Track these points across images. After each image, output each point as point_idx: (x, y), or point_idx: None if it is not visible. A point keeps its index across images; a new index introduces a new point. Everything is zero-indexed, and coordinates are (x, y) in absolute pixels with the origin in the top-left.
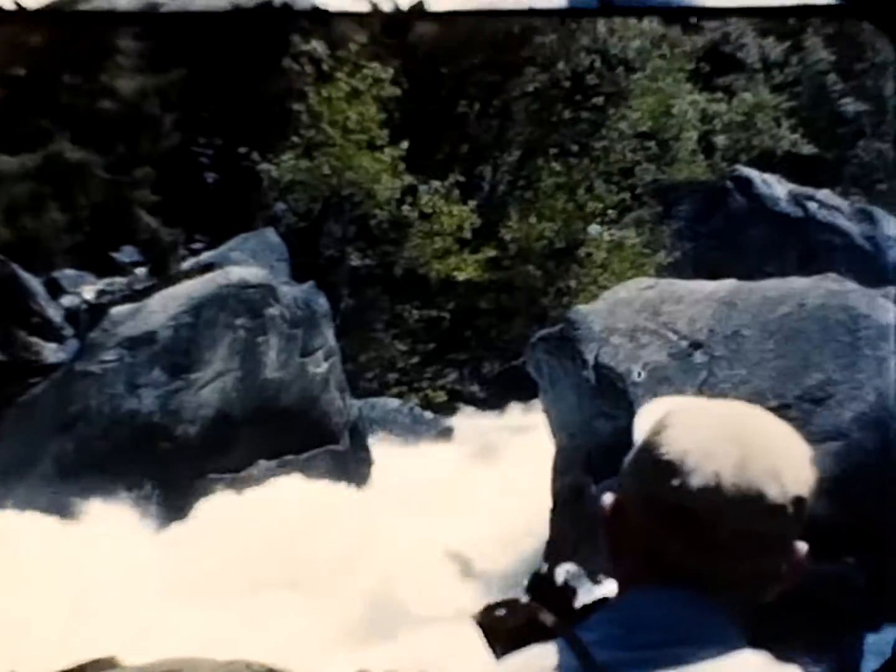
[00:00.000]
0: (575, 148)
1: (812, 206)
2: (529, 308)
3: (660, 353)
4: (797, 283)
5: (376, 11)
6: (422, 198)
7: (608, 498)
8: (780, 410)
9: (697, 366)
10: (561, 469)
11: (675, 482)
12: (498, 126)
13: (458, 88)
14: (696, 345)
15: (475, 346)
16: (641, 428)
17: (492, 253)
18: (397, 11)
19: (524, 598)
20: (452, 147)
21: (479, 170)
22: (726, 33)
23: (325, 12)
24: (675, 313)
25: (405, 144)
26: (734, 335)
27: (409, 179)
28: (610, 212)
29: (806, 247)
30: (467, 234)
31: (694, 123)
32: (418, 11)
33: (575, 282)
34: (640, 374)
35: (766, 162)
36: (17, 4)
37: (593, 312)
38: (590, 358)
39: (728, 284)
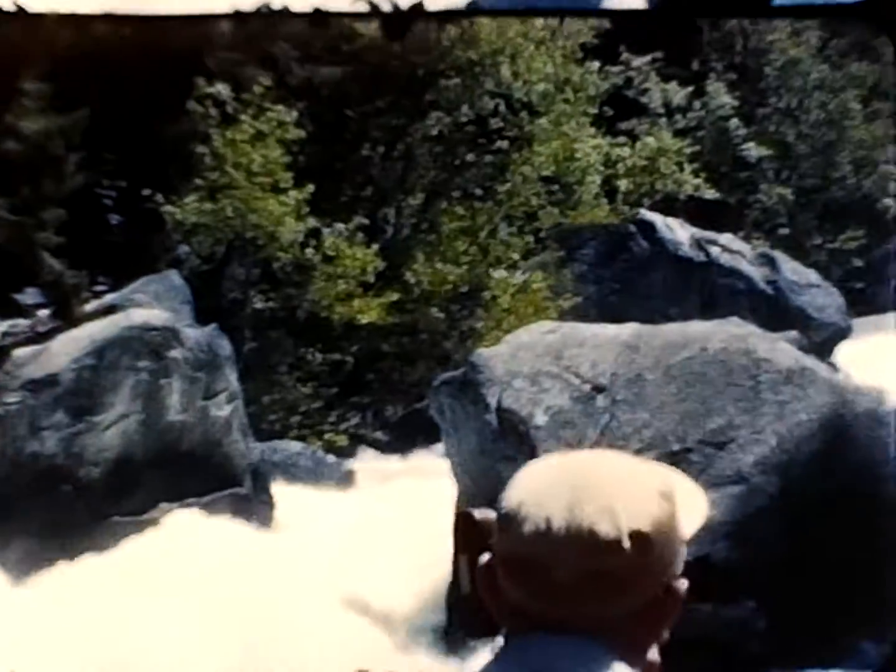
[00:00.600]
0: (479, 191)
1: (714, 250)
2: (432, 351)
3: (562, 397)
4: (699, 327)
5: (376, 11)
6: (325, 241)
7: (484, 557)
8: (682, 454)
9: (600, 409)
10: None
11: (512, 532)
12: (402, 169)
13: (362, 131)
14: (598, 388)
15: (378, 389)
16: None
17: (395, 296)
18: (396, 11)
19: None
20: (356, 190)
21: (383, 213)
22: (629, 78)
23: (326, 13)
24: (577, 357)
25: (310, 187)
26: (636, 379)
27: (312, 222)
28: (513, 255)
29: (708, 291)
30: (371, 278)
31: (597, 167)
32: (418, 11)
33: (478, 325)
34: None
35: (669, 206)
36: (17, 6)
37: (496, 356)
38: (492, 401)
39: (630, 328)
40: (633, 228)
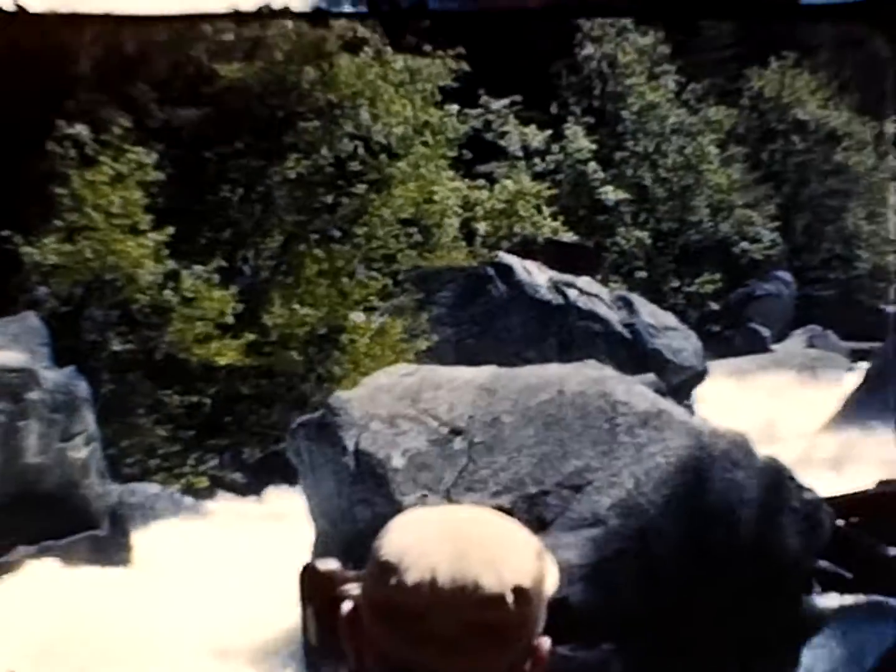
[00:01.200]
0: (337, 234)
1: (572, 293)
2: (290, 394)
3: (419, 440)
4: (557, 369)
5: (375, 11)
6: (184, 283)
7: (347, 605)
8: (540, 497)
9: (457, 452)
10: (321, 555)
11: (393, 581)
12: (260, 211)
13: (221, 173)
14: (455, 431)
15: (236, 431)
16: (376, 539)
17: (253, 338)
18: (396, 11)
19: None
20: (215, 232)
21: (242, 255)
22: (488, 121)
23: (326, 13)
24: (435, 400)
25: (169, 229)
26: (494, 422)
27: (171, 264)
28: (372, 298)
29: (566, 334)
30: (229, 320)
31: (455, 210)
32: (419, 11)
33: (336, 368)
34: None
35: (527, 249)
36: (18, 6)
37: (353, 399)
38: (350, 444)
39: (488, 371)
40: (491, 271)
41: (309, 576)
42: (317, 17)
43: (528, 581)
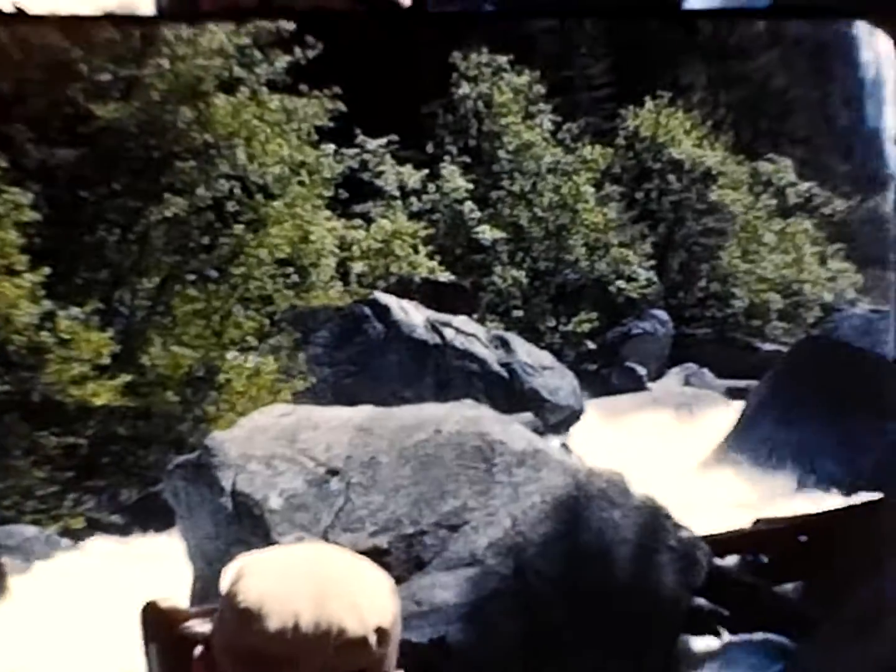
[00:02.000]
0: (214, 274)
1: (449, 332)
2: (167, 435)
3: (296, 480)
4: (434, 409)
5: (373, 11)
6: (60, 323)
7: (198, 650)
8: (417, 537)
9: (334, 493)
10: (199, 597)
11: (255, 627)
12: (138, 252)
13: (97, 214)
14: (332, 472)
15: (113, 472)
16: (224, 582)
17: (130, 379)
18: (395, 11)
19: None
20: (92, 272)
21: (119, 295)
22: (365, 161)
23: (327, 12)
24: (312, 440)
25: (45, 270)
26: (371, 462)
27: (48, 305)
28: (248, 338)
29: (443, 373)
30: (106, 360)
31: (332, 250)
32: (418, 10)
33: (213, 408)
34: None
35: (404, 288)
36: (17, 8)
37: (230, 439)
38: (227, 485)
39: (365, 411)
40: (367, 311)
41: (151, 613)
42: (317, 18)
43: (388, 621)
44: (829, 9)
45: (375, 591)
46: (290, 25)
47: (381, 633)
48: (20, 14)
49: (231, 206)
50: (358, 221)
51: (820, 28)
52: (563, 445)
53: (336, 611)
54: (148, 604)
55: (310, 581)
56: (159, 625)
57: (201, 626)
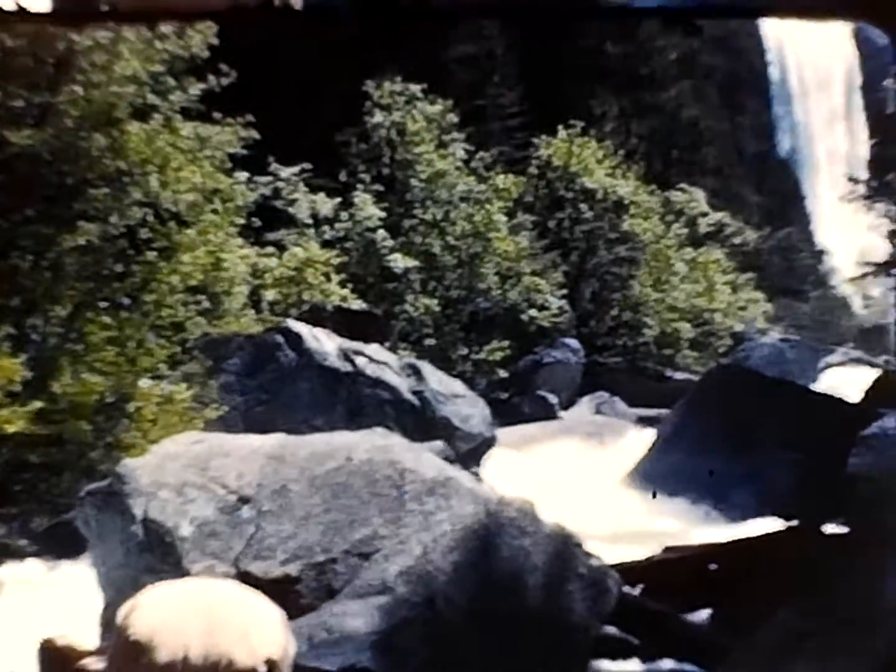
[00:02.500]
0: (127, 301)
1: (361, 360)
2: (80, 462)
3: (208, 508)
4: (345, 437)
5: (371, 11)
6: None
7: None
8: (328, 565)
9: (245, 520)
10: (109, 625)
11: (145, 660)
12: (51, 279)
13: (10, 240)
14: (244, 499)
15: (25, 500)
16: (118, 616)
17: (42, 406)
18: (395, 10)
19: None
20: (4, 299)
21: (31, 322)
22: (278, 189)
23: (327, 12)
24: (223, 468)
25: None
26: (282, 490)
27: None
28: (161, 366)
29: (354, 401)
30: (17, 388)
31: (245, 277)
32: (418, 9)
33: (125, 436)
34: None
35: (316, 316)
36: (18, 5)
37: (142, 467)
38: (138, 512)
39: (276, 439)
40: (280, 339)
41: (47, 651)
42: (316, 18)
43: (278, 652)
44: (829, 9)
45: (266, 623)
46: (204, 53)
47: (272, 664)
48: (20, 12)
49: (144, 234)
50: (270, 249)
51: (731, 59)
52: (475, 474)
53: (226, 643)
54: (45, 641)
55: (200, 614)
56: (56, 662)
57: (97, 665)
